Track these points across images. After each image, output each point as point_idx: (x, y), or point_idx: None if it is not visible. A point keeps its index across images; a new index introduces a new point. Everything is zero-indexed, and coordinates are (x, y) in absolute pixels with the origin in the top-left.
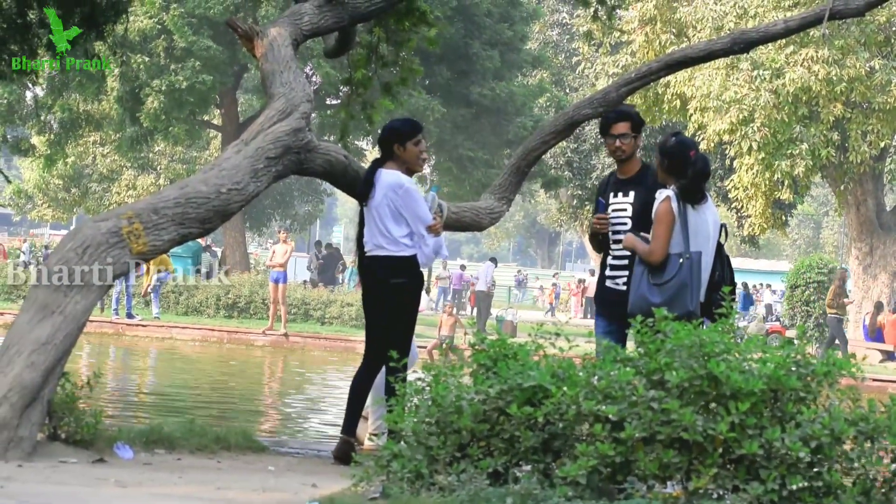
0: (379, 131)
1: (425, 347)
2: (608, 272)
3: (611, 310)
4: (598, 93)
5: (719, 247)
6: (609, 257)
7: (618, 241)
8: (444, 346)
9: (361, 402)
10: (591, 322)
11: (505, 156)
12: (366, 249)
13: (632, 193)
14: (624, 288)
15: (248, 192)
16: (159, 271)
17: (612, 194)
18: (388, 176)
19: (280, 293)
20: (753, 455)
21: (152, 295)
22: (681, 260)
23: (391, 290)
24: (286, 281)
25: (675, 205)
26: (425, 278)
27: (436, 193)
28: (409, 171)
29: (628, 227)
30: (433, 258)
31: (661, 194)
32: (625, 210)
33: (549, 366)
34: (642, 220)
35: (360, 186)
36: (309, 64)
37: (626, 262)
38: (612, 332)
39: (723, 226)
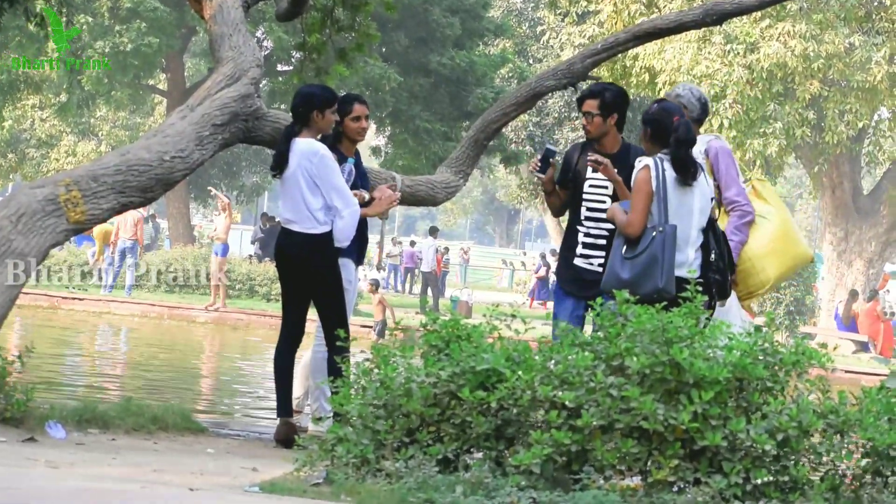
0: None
1: (371, 327)
2: (581, 250)
3: (582, 291)
4: (563, 64)
5: (712, 223)
6: (582, 234)
7: (593, 219)
8: (382, 331)
9: (289, 381)
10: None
11: (463, 128)
12: (282, 222)
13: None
14: (600, 269)
15: (192, 161)
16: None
17: (590, 168)
18: (303, 144)
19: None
20: (716, 447)
21: (128, 271)
22: (654, 233)
23: (308, 274)
24: (224, 254)
25: (654, 174)
26: (375, 255)
27: (352, 165)
28: (324, 139)
29: (607, 204)
30: (349, 234)
31: (639, 163)
32: (605, 188)
33: (504, 349)
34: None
35: (275, 156)
36: (260, 27)
37: (603, 241)
38: (581, 317)
39: (714, 200)
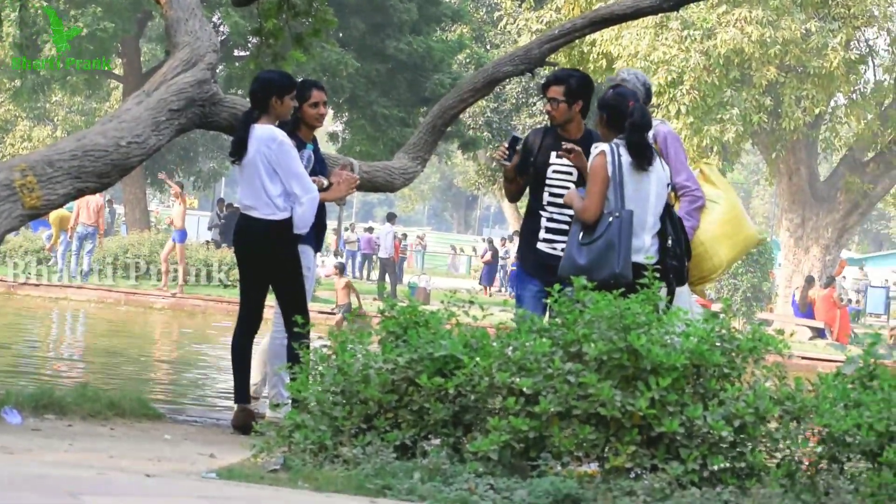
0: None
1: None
2: (544, 234)
3: (546, 276)
4: (520, 49)
5: (669, 209)
6: (545, 219)
7: (557, 205)
8: (343, 316)
9: (246, 367)
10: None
11: (421, 114)
12: (240, 208)
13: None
14: (563, 254)
15: (148, 146)
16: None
17: (554, 154)
18: (262, 130)
19: (174, 252)
20: (674, 433)
21: (85, 257)
22: (610, 218)
23: (268, 260)
24: (182, 241)
25: (610, 159)
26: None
27: (311, 151)
28: (283, 126)
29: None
30: (309, 221)
31: (595, 148)
32: (570, 174)
33: (462, 335)
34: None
35: (233, 143)
36: (216, 12)
37: (566, 227)
38: (545, 302)
39: (671, 185)
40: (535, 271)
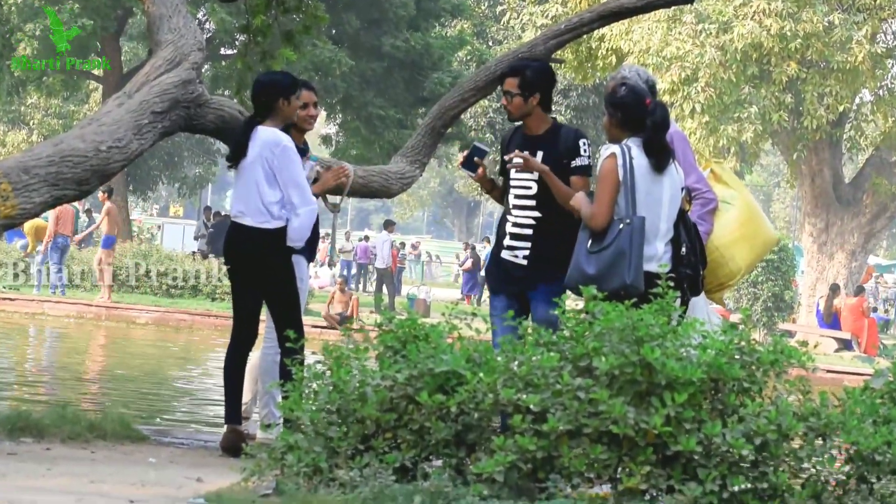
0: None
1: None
2: (508, 241)
3: (510, 286)
4: (524, 46)
5: (682, 214)
6: (510, 224)
7: (519, 207)
8: (340, 324)
9: (239, 385)
10: None
11: (419, 115)
12: (232, 215)
13: (539, 154)
14: (525, 262)
15: (130, 151)
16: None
17: (517, 152)
18: (266, 133)
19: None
20: (691, 452)
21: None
22: (621, 225)
23: (260, 271)
24: (107, 246)
25: (621, 161)
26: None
27: (315, 163)
28: (286, 130)
29: (533, 191)
30: (304, 234)
31: (605, 150)
32: (531, 173)
33: (464, 349)
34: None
35: (233, 146)
36: (201, 9)
37: (529, 231)
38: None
39: (685, 190)
40: (499, 285)
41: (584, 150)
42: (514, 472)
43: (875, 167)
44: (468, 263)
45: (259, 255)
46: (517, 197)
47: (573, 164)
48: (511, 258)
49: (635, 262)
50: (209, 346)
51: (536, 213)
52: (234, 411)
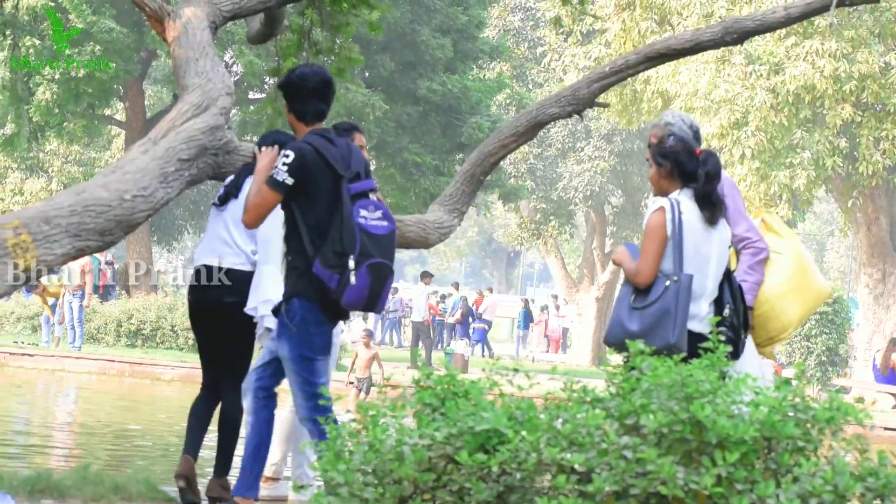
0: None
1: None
2: None
3: None
4: (567, 89)
5: (728, 274)
6: None
7: None
8: (364, 389)
9: (200, 434)
10: (553, 357)
11: (457, 161)
12: (198, 258)
13: None
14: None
15: (156, 200)
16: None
17: None
18: None
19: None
20: None
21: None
22: (667, 282)
23: (228, 310)
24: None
25: (670, 216)
26: None
27: None
28: None
29: None
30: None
31: (653, 203)
32: None
33: (506, 406)
34: None
35: (226, 188)
36: (228, 50)
37: None
38: None
39: (731, 247)
40: None
41: None
42: None
43: None
44: (458, 314)
45: (226, 296)
46: None
47: None
48: None
49: (681, 321)
50: None
51: None
52: (192, 445)
